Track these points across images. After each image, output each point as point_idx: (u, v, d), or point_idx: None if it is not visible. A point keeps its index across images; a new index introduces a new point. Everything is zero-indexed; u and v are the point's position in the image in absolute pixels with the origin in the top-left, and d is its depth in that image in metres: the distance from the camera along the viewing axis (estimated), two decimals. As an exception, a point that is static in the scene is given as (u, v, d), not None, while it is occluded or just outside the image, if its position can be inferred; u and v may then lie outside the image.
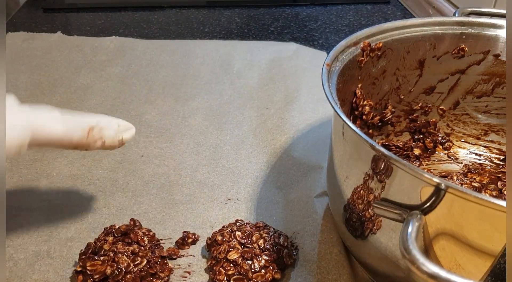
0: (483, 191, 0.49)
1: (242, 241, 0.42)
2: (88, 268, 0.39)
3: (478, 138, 0.54)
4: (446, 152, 0.55)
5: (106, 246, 0.41)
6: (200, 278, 0.43)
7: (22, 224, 0.47)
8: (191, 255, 0.45)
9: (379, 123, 0.52)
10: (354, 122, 0.48)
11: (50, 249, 0.45)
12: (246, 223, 0.45)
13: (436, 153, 0.55)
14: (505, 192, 0.49)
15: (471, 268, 0.31)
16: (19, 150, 0.37)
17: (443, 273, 0.25)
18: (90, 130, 0.41)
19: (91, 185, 0.53)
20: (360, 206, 0.37)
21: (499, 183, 0.50)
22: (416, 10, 0.96)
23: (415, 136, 0.55)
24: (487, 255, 0.30)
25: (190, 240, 0.45)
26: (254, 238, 0.43)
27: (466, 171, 0.53)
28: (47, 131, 0.39)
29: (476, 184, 0.50)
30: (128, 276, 0.40)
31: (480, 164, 0.54)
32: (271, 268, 0.41)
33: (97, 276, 0.39)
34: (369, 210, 0.35)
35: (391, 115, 0.52)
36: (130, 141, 0.47)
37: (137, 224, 0.46)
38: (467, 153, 0.55)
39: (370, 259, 0.39)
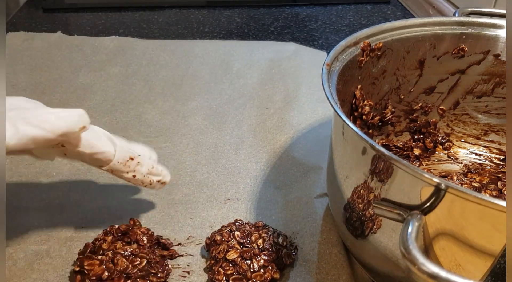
0: (483, 191, 0.49)
1: (241, 241, 0.42)
2: (86, 267, 0.39)
3: (478, 139, 0.54)
4: (446, 152, 0.55)
5: (104, 246, 0.41)
6: (199, 278, 0.43)
7: (22, 224, 0.47)
8: (190, 255, 0.45)
9: (379, 123, 0.52)
10: (354, 122, 0.48)
11: (50, 248, 0.45)
12: (245, 223, 0.45)
13: (436, 153, 0.55)
14: (505, 192, 0.49)
15: (471, 268, 0.31)
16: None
17: (443, 273, 0.25)
18: (130, 159, 0.42)
19: (91, 184, 0.53)
20: (360, 205, 0.37)
21: (499, 183, 0.50)
22: (416, 10, 0.96)
23: (415, 136, 0.55)
24: (487, 255, 0.29)
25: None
26: (253, 238, 0.43)
27: (466, 171, 0.53)
28: (99, 147, 0.40)
29: (476, 184, 0.50)
30: (127, 276, 0.39)
31: (480, 164, 0.54)
32: (270, 268, 0.41)
33: (94, 277, 0.39)
34: (369, 210, 0.35)
35: (391, 115, 0.52)
36: (162, 188, 0.47)
37: (137, 223, 0.46)
38: (467, 153, 0.55)
39: (370, 259, 0.39)
